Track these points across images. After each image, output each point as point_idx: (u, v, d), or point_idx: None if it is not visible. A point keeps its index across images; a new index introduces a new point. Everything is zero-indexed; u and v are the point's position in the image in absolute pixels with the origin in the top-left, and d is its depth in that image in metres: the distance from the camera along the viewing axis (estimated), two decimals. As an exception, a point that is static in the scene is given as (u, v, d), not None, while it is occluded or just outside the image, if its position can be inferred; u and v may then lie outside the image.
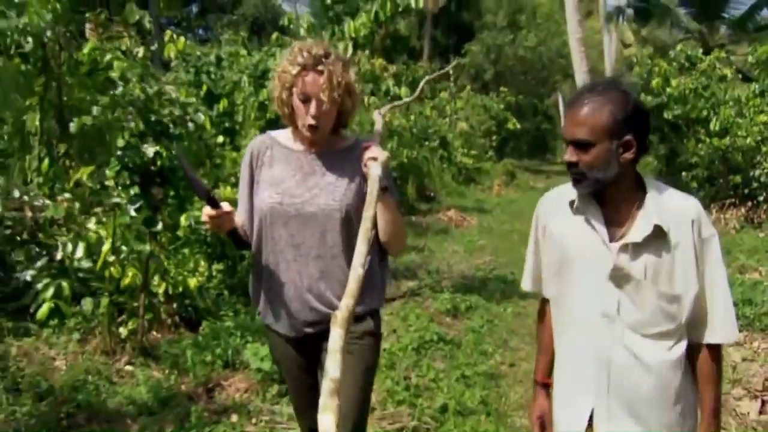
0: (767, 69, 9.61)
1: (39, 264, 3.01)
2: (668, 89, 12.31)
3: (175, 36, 5.75)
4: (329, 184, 1.93)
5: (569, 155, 1.56)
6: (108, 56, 3.67)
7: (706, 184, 12.11)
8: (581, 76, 12.86)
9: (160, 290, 4.42)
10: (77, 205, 3.09)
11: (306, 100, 1.86)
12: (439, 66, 21.95)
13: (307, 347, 1.99)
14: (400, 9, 5.09)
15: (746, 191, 10.68)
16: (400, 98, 5.78)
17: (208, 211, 1.79)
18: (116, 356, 4.03)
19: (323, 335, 1.77)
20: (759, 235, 8.75)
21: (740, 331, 4.98)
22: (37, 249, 2.87)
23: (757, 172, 10.16)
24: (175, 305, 4.67)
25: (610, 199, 1.59)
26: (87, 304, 3.83)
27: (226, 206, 1.81)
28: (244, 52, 7.74)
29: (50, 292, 3.04)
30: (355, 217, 1.88)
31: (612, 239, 1.57)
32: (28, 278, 3.03)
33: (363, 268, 1.38)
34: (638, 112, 1.55)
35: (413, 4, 5.10)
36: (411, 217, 10.25)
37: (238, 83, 5.60)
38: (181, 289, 4.54)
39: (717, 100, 11.18)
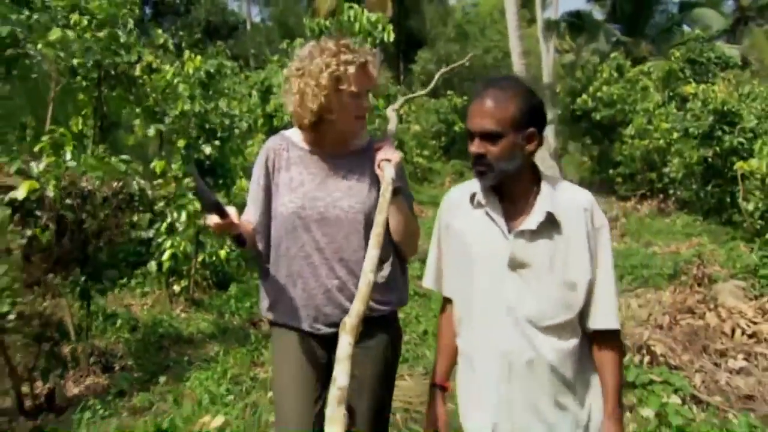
0: (665, 85, 11.38)
1: (155, 226, 4.25)
2: (599, 93, 14.20)
3: (192, 55, 6.98)
4: (349, 187, 1.90)
5: (476, 147, 1.56)
6: (178, 78, 4.91)
7: (629, 180, 14.03)
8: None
9: (199, 258, 5.68)
10: (176, 186, 4.35)
11: (359, 95, 1.83)
12: (394, 73, 23.38)
13: (332, 344, 1.88)
14: (377, 42, 6.45)
15: (660, 185, 12.55)
16: (377, 108, 6.98)
17: (215, 219, 1.73)
18: (173, 306, 5.28)
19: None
20: (665, 221, 10.55)
21: (639, 287, 6.60)
22: (153, 216, 4.11)
23: (668, 170, 11.97)
24: (207, 272, 5.95)
25: (509, 191, 1.61)
26: (152, 266, 5.07)
27: (233, 215, 1.75)
28: (228, 64, 8.95)
29: (169, 243, 4.30)
30: None
31: (510, 230, 1.59)
32: (150, 235, 4.28)
33: (373, 273, 1.37)
34: (539, 107, 1.58)
35: (386, 38, 6.49)
36: (376, 209, 11.65)
37: (247, 96, 6.86)
38: (214, 258, 5.81)
39: (634, 108, 13.04)
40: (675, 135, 10.16)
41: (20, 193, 3.01)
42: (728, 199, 9.28)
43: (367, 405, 1.92)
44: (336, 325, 1.81)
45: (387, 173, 1.78)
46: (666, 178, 12.18)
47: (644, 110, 12.11)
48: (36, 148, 3.36)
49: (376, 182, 1.90)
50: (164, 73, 5.16)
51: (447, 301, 1.80)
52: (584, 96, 14.12)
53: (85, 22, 5.64)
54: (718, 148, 8.82)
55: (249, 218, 1.95)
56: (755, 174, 6.94)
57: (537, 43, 24.23)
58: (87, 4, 5.75)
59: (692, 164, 10.34)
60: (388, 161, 1.83)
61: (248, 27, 36.65)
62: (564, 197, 1.59)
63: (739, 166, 7.12)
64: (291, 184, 1.90)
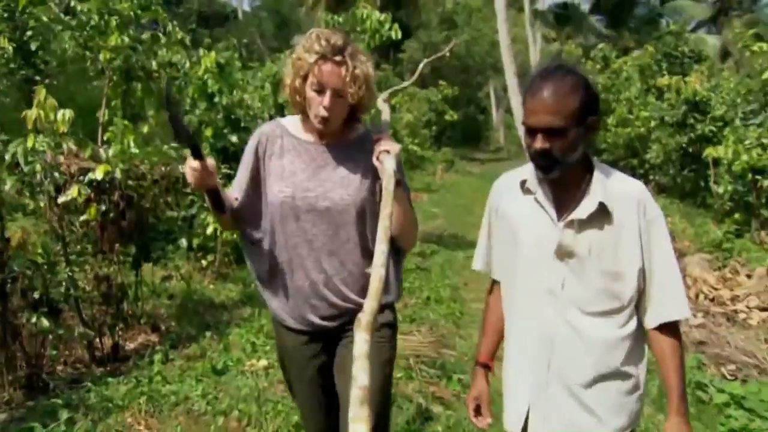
0: (644, 75, 12.07)
1: (197, 205, 4.87)
2: (584, 84, 14.91)
3: (206, 51, 7.53)
4: (342, 178, 1.88)
5: (541, 143, 1.53)
6: (208, 75, 5.50)
7: (613, 166, 14.73)
8: (510, 78, 15.20)
9: (223, 236, 6.29)
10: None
11: (320, 90, 1.79)
12: (384, 62, 23.96)
13: (324, 342, 1.96)
14: (384, 39, 7.06)
15: (641, 171, 13.26)
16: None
17: (192, 163, 1.69)
18: (201, 278, 5.90)
19: (341, 328, 1.89)
20: (644, 204, 11.28)
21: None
22: (194, 196, 4.73)
23: (648, 156, 12.67)
24: (229, 248, 6.56)
25: (562, 179, 1.59)
26: (183, 242, 5.68)
27: (210, 162, 1.72)
28: (236, 56, 9.53)
29: (211, 220, 4.93)
30: (368, 211, 1.88)
31: (560, 218, 1.59)
32: (194, 212, 4.90)
33: (384, 268, 1.38)
34: (596, 94, 1.57)
35: (394, 36, 7.10)
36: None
37: (260, 87, 7.44)
38: (235, 235, 6.42)
39: (617, 98, 13.73)
40: (653, 123, 10.85)
41: (98, 175, 3.61)
42: (702, 183, 9.99)
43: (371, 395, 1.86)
44: (325, 318, 1.89)
45: (388, 165, 1.74)
46: (647, 164, 12.89)
47: (626, 99, 12.80)
48: (106, 137, 3.95)
49: (369, 174, 1.88)
50: (196, 69, 5.75)
51: (495, 283, 1.84)
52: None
53: (114, 23, 6.20)
54: (692, 135, 9.52)
55: (234, 193, 1.93)
56: (722, 160, 7.64)
57: (524, 29, 24.88)
58: (115, 6, 6.30)
59: (670, 151, 11.05)
60: (387, 152, 1.78)
61: (240, 16, 36.93)
62: (616, 187, 1.58)
63: (708, 152, 7.81)
64: (283, 173, 1.89)
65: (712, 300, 5.59)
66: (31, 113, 3.81)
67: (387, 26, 7.22)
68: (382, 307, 1.86)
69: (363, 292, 1.67)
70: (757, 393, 3.15)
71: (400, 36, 7.04)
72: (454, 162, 20.55)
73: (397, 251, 1.93)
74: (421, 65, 7.32)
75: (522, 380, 1.67)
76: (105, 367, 3.99)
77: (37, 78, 5.31)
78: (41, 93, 3.86)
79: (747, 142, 7.27)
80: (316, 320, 1.90)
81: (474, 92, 33.93)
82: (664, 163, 11.32)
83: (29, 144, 3.52)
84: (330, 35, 1.80)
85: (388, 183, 1.67)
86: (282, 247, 1.88)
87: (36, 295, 3.35)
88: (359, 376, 1.03)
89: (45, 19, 4.97)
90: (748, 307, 5.27)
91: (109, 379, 3.51)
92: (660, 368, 1.59)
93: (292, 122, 1.96)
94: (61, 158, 3.54)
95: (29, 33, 5.04)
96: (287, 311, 1.92)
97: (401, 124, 18.53)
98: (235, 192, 1.93)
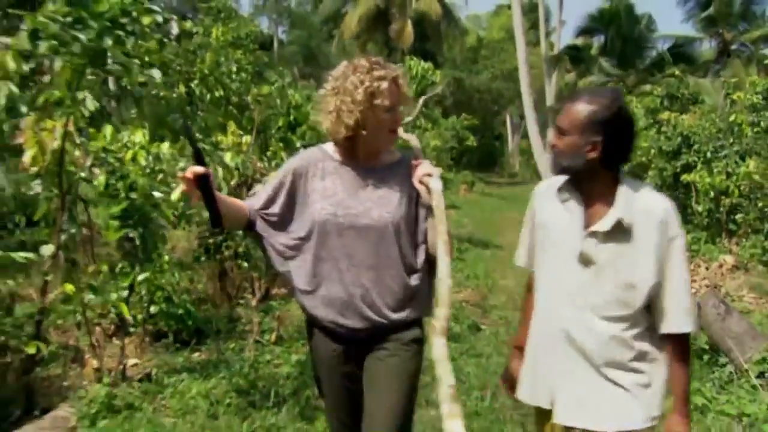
0: (648, 115, 14.12)
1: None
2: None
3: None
4: (381, 197, 2.00)
5: (553, 137, 1.75)
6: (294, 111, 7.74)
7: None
8: (529, 112, 17.45)
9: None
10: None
11: (392, 109, 1.92)
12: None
13: (353, 348, 2.05)
14: (429, 84, 9.23)
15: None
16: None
17: (194, 168, 1.79)
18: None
19: (371, 339, 2.03)
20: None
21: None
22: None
23: (648, 181, 14.68)
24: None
25: (588, 191, 1.75)
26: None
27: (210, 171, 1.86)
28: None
29: None
30: (405, 229, 2.01)
31: (587, 227, 1.73)
32: None
33: (450, 279, 1.51)
34: (617, 120, 1.66)
35: (437, 80, 9.27)
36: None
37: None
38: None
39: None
40: (651, 152, 12.93)
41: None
42: (688, 203, 11.97)
43: (388, 405, 1.95)
44: (357, 330, 1.99)
45: (435, 185, 1.89)
46: (647, 188, 14.90)
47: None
48: (269, 153, 6.14)
49: (406, 195, 2.02)
50: (304, 106, 7.94)
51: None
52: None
53: (234, 69, 8.39)
54: (678, 164, 11.56)
55: (252, 201, 2.06)
56: (696, 183, 9.67)
57: (540, 58, 26.87)
58: (230, 56, 8.47)
59: (665, 176, 13.05)
60: (430, 175, 1.93)
61: (275, 46, 39.41)
62: (640, 203, 1.69)
63: (684, 177, 9.88)
64: (325, 193, 2.01)
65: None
66: (227, 138, 6.01)
67: (430, 73, 9.42)
68: (412, 323, 2.02)
69: (398, 306, 1.97)
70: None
71: (439, 79, 9.18)
72: (474, 183, 22.69)
73: (430, 268, 2.00)
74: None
75: (548, 368, 1.82)
76: (263, 302, 6.09)
77: (199, 113, 7.53)
78: (232, 126, 6.07)
79: (716, 170, 9.30)
80: (348, 331, 2.00)
81: (490, 119, 35.88)
82: (660, 187, 13.32)
83: (229, 158, 5.67)
84: (374, 59, 1.96)
85: (439, 201, 1.84)
86: (323, 261, 1.99)
87: (240, 249, 5.49)
88: (444, 377, 1.15)
89: (206, 71, 7.17)
90: (699, 286, 7.30)
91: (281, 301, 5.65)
92: (669, 370, 1.76)
93: (332, 148, 2.10)
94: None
95: (195, 81, 7.24)
96: (323, 318, 2.01)
97: (429, 148, 20.65)
98: (258, 196, 2.06)
